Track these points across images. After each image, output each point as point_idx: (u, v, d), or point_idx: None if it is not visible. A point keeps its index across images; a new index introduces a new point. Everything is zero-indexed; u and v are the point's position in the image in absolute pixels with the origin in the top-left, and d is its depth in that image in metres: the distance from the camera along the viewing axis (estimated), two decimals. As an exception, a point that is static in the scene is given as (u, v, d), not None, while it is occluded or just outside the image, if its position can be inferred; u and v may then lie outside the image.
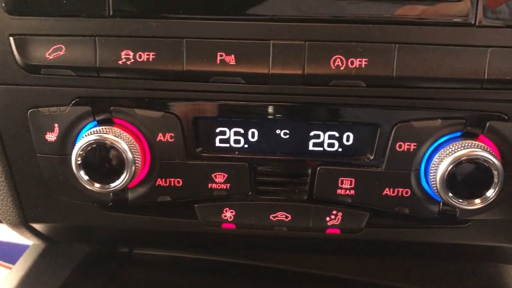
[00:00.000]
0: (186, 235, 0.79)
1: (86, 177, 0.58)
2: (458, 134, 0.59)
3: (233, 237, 0.79)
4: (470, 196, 0.57)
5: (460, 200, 0.57)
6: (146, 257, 0.89)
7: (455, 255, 0.74)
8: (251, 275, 0.90)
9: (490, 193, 0.56)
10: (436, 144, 0.59)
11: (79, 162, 0.58)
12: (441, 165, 0.56)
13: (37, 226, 0.74)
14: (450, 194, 0.56)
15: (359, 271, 0.84)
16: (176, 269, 0.87)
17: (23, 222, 0.67)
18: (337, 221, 0.63)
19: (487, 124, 0.58)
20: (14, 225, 0.68)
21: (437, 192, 0.57)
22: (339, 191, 0.61)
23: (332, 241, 0.75)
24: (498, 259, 0.73)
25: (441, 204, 0.61)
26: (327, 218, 0.63)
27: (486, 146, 0.57)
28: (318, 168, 0.61)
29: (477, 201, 0.57)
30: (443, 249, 0.71)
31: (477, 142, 0.57)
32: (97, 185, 0.59)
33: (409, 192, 0.61)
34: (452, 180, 0.56)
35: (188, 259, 0.88)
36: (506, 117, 0.58)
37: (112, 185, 0.58)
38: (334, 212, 0.63)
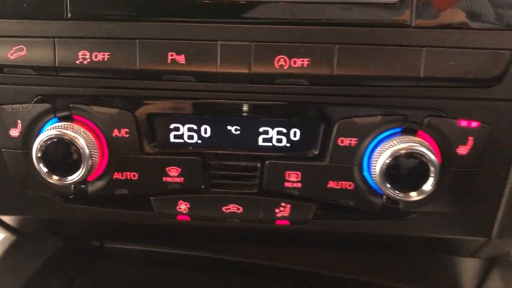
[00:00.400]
0: (151, 229, 0.82)
1: (45, 170, 0.62)
2: (398, 130, 0.62)
3: (192, 230, 0.82)
4: (407, 189, 0.60)
5: (398, 192, 0.60)
6: (117, 250, 0.92)
7: (403, 248, 0.77)
8: (223, 269, 0.93)
9: (427, 186, 0.59)
10: (377, 139, 0.62)
11: (39, 155, 0.61)
12: (380, 158, 0.59)
13: (5, 218, 0.77)
14: (388, 186, 0.59)
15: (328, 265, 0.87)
16: (146, 262, 0.90)
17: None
18: (286, 213, 0.66)
19: (425, 120, 0.61)
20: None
21: (378, 183, 0.60)
22: (286, 184, 0.65)
23: (283, 233, 0.78)
24: (447, 251, 0.76)
25: (384, 197, 0.64)
26: (276, 210, 0.66)
27: (424, 141, 0.60)
28: (267, 162, 0.64)
29: (414, 194, 0.60)
30: (391, 241, 0.74)
31: (415, 138, 0.60)
32: (55, 177, 0.62)
33: (353, 185, 0.64)
34: (390, 173, 0.59)
35: (158, 253, 0.91)
36: (443, 114, 0.61)
37: (70, 178, 0.62)
38: (283, 204, 0.66)
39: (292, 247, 0.87)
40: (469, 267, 0.80)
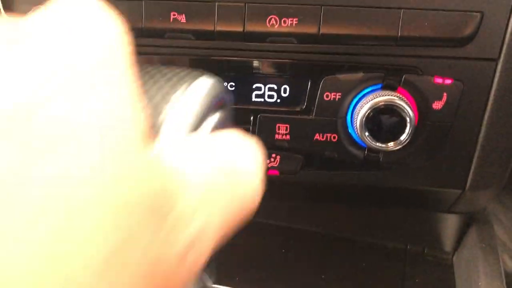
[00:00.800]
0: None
1: None
2: (379, 86, 0.68)
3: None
4: (386, 139, 0.66)
5: (376, 142, 0.65)
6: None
7: (384, 202, 0.82)
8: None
9: (404, 137, 0.65)
10: (359, 94, 0.68)
11: None
12: (361, 111, 0.65)
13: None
14: (368, 136, 0.65)
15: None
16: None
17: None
18: (275, 164, 0.72)
19: (403, 77, 0.67)
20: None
21: (359, 135, 0.66)
22: (276, 136, 0.70)
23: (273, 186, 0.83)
24: (426, 206, 0.81)
25: (366, 149, 0.70)
26: (268, 161, 0.72)
27: (401, 96, 0.66)
28: (259, 115, 0.70)
29: (391, 144, 0.65)
30: (373, 196, 0.79)
31: (394, 93, 0.66)
32: None
33: (337, 137, 0.69)
34: (370, 124, 0.65)
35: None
36: (420, 71, 0.66)
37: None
38: (273, 155, 0.72)
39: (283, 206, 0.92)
40: (448, 224, 0.85)
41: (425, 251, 0.86)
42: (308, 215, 0.91)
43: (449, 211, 0.78)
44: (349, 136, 0.69)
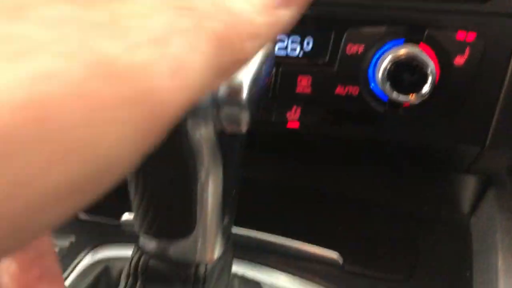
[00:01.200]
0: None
1: None
2: (402, 40, 0.68)
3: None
4: (407, 92, 0.66)
5: (398, 95, 0.66)
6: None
7: (402, 161, 0.82)
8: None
9: (425, 90, 0.65)
10: (382, 48, 0.68)
11: None
12: (383, 63, 0.66)
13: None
14: (390, 89, 0.66)
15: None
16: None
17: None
18: (296, 116, 0.73)
19: (425, 32, 0.67)
20: None
21: (381, 88, 0.67)
22: (298, 89, 0.71)
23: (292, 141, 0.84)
24: (444, 165, 0.81)
25: (386, 104, 0.70)
26: (288, 113, 0.73)
27: (423, 50, 0.66)
28: (281, 68, 0.71)
29: (413, 96, 0.66)
30: (393, 153, 0.80)
31: (416, 47, 0.67)
32: None
33: (358, 91, 0.70)
34: (391, 76, 0.66)
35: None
36: (443, 26, 0.67)
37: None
38: (294, 108, 0.73)
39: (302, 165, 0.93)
40: (465, 186, 0.85)
41: (441, 214, 0.87)
42: (323, 175, 0.92)
43: (467, 171, 0.79)
44: (370, 90, 0.70)
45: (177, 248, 0.51)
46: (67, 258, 0.75)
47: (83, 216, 0.85)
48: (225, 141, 0.45)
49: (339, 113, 0.72)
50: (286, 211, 0.89)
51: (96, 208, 0.90)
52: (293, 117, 0.73)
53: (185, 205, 0.48)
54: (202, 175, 0.46)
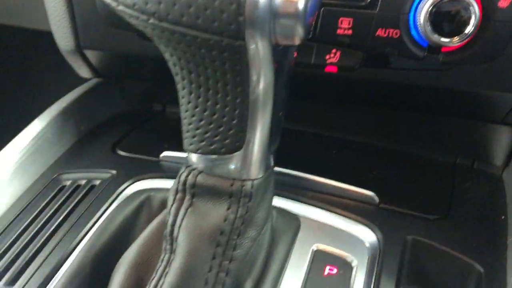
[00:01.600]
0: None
1: None
2: (445, -18, 0.68)
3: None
4: (449, 33, 0.66)
5: (440, 37, 0.66)
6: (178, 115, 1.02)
7: (439, 109, 0.83)
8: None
9: (468, 30, 0.65)
10: (424, -9, 0.68)
11: None
12: (425, 5, 0.66)
13: (88, 55, 0.88)
14: (432, 31, 0.66)
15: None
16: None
17: (77, 48, 0.82)
18: (335, 59, 0.73)
19: (470, -27, 0.67)
20: (69, 51, 0.83)
21: (422, 32, 0.67)
22: (339, 31, 0.72)
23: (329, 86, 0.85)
24: (480, 114, 0.81)
25: (426, 49, 0.71)
26: (327, 56, 0.73)
27: (467, -8, 0.66)
28: (323, 9, 0.72)
29: (456, 38, 0.66)
30: (430, 99, 0.80)
31: (460, -12, 0.66)
32: None
33: (399, 33, 0.70)
34: (433, 18, 0.65)
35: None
36: (486, -31, 0.66)
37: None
38: (334, 51, 0.73)
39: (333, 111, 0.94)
40: (500, 137, 0.85)
41: (475, 165, 0.87)
42: (357, 124, 0.93)
43: (503, 122, 0.78)
44: (410, 34, 0.70)
45: (225, 165, 0.53)
46: (109, 189, 0.78)
47: (123, 153, 0.90)
48: (278, 53, 0.46)
49: (378, 57, 0.73)
50: (323, 157, 0.91)
51: (135, 146, 0.93)
52: (332, 60, 0.73)
53: (236, 119, 0.50)
54: (255, 85, 0.47)
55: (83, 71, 0.92)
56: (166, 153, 0.84)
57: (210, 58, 0.44)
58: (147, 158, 0.84)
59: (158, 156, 0.84)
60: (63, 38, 0.83)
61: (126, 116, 1.02)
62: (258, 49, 0.43)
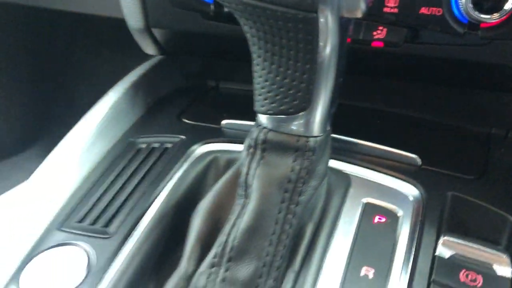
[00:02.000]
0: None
1: None
2: (486, -39, 0.74)
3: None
4: (490, 10, 0.73)
5: (480, 14, 0.73)
6: (232, 91, 1.12)
7: (476, 84, 0.90)
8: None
9: (508, 5, 0.72)
10: (466, -30, 0.75)
11: None
12: (468, -17, 0.73)
13: (156, 33, 0.98)
14: (473, 8, 0.73)
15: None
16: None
17: (146, 27, 0.92)
18: (382, 35, 0.81)
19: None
20: (139, 29, 0.93)
21: (463, 9, 0.74)
22: (385, 9, 0.79)
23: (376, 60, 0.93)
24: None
25: (466, 25, 0.78)
26: (374, 33, 0.81)
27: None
28: (371, -12, 0.79)
29: (496, 14, 0.73)
30: (469, 73, 0.87)
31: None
32: None
33: (441, 11, 0.77)
34: (474, -4, 0.73)
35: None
36: None
37: None
38: (380, 27, 0.81)
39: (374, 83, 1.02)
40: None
41: (509, 135, 0.94)
42: (399, 98, 1.00)
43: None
44: (452, 11, 0.77)
45: (291, 124, 0.62)
46: (180, 151, 0.89)
47: (188, 121, 1.00)
48: (342, 24, 0.55)
49: (422, 33, 0.80)
50: (370, 125, 1.00)
51: (198, 116, 1.03)
52: (379, 36, 0.81)
53: (305, 83, 0.58)
54: (322, 53, 0.56)
55: (150, 48, 1.02)
56: (226, 121, 0.93)
57: (286, 29, 0.53)
58: (210, 126, 0.94)
59: (219, 123, 0.94)
60: (134, 18, 0.94)
61: (185, 90, 1.13)
62: (328, 21, 0.52)
